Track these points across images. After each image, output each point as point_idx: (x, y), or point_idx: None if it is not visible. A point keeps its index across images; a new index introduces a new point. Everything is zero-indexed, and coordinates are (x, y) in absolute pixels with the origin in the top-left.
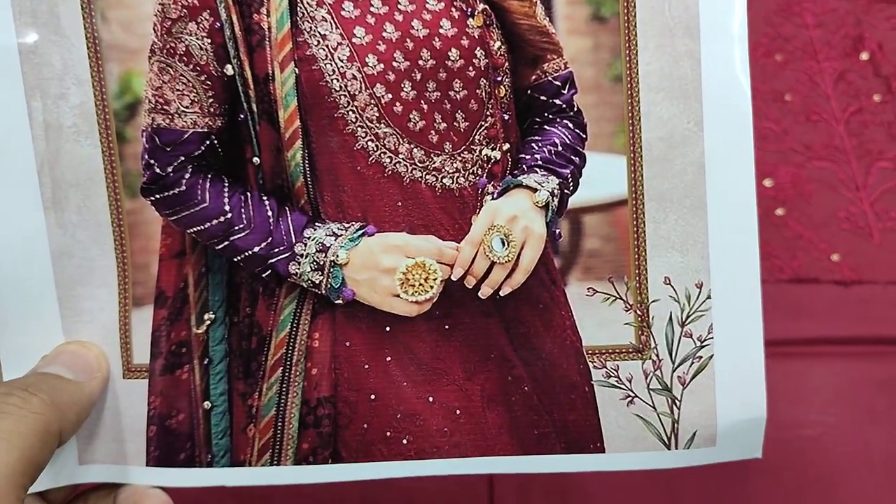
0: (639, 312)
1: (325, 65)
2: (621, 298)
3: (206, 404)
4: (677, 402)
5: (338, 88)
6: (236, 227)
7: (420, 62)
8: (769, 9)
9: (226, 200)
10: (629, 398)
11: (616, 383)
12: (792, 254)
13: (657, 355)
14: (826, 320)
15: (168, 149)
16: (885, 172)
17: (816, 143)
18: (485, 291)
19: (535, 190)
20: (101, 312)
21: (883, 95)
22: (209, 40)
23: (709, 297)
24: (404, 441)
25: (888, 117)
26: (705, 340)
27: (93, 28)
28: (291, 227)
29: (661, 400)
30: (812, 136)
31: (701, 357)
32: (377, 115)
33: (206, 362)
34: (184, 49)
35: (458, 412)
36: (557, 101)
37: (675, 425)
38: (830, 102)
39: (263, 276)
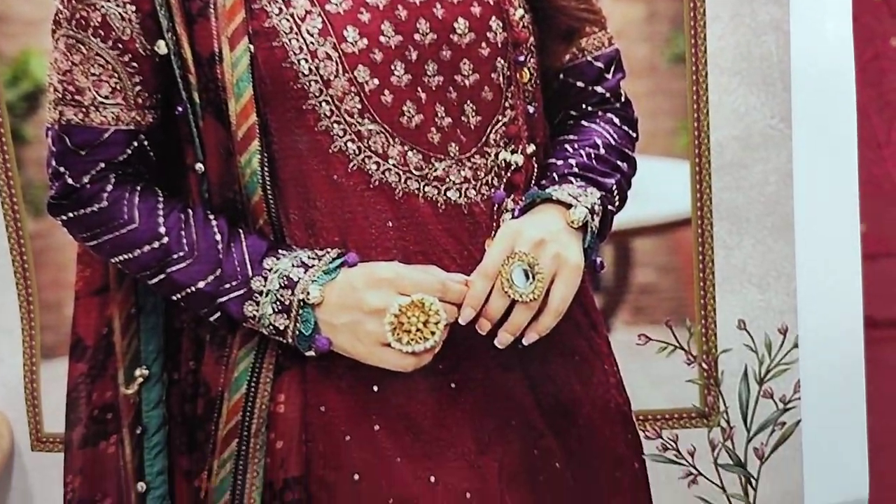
0: (704, 366)
1: (290, 40)
2: (682, 348)
3: (140, 486)
4: (753, 482)
5: (307, 72)
6: (175, 256)
7: (416, 37)
8: None
9: (160, 220)
10: (691, 476)
11: (675, 457)
12: None
13: (728, 421)
14: None
15: (83, 152)
16: None
17: None
18: (503, 339)
19: (569, 206)
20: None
21: None
22: (133, 8)
23: (795, 346)
24: None
25: None
26: (790, 401)
27: None
28: (247, 256)
29: (733, 478)
30: None
31: (784, 423)
32: (359, 106)
33: (138, 432)
34: (99, 19)
35: (468, 496)
36: (599, 89)
37: None
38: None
39: (211, 319)
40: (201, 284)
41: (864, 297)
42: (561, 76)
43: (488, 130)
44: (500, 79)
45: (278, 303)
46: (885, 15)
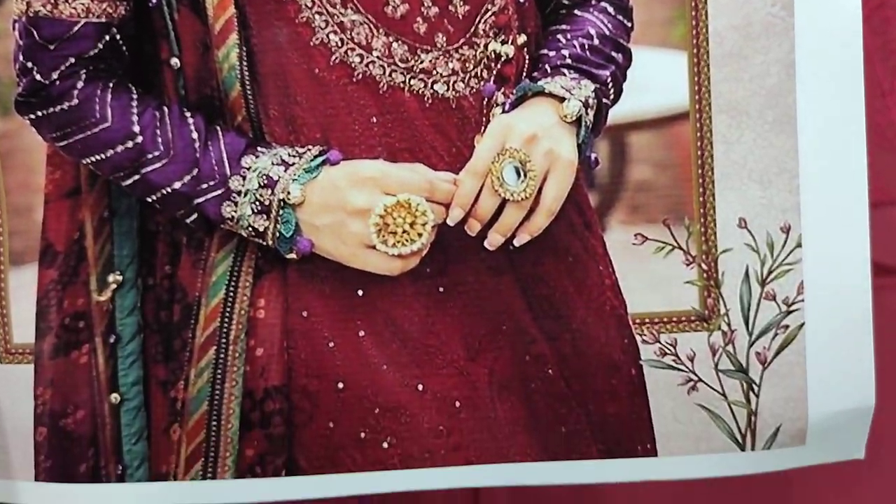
0: (704, 266)
1: None
2: (681, 248)
3: (114, 397)
4: (755, 388)
5: None
6: (150, 155)
7: None
8: None
9: (134, 118)
10: (691, 383)
11: (673, 363)
12: None
13: (729, 324)
14: None
15: (52, 46)
16: None
17: None
18: (494, 240)
19: (562, 99)
20: None
21: None
22: None
23: (799, 246)
24: (385, 444)
25: None
26: (793, 304)
27: None
28: (225, 154)
29: (734, 384)
30: None
31: (787, 326)
32: None
33: (112, 340)
34: None
35: (457, 404)
36: None
37: (753, 418)
38: None
39: (188, 221)
40: (177, 185)
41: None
42: None
43: (477, 20)
44: None
45: (257, 203)
46: None
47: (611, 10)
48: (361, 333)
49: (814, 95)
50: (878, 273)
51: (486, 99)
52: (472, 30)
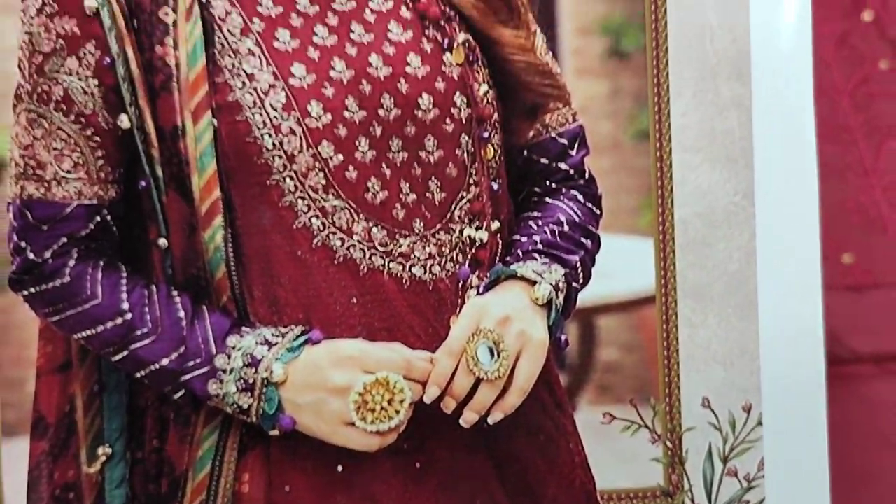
0: (669, 444)
1: (253, 114)
2: (647, 427)
3: None
4: None
5: (270, 147)
6: (138, 332)
7: (380, 112)
8: None
9: (124, 296)
10: None
11: None
12: None
13: (692, 500)
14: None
15: (45, 227)
16: None
17: (819, 122)
18: (468, 418)
19: (533, 283)
20: None
21: (890, 61)
22: (96, 81)
23: (759, 424)
24: None
25: None
26: (754, 480)
27: None
28: (211, 333)
29: None
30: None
31: (748, 502)
32: (324, 182)
33: None
34: (61, 93)
35: None
36: (563, 166)
37: None
38: (831, 71)
39: (175, 397)
40: (165, 362)
41: (849, 331)
42: (525, 152)
43: (453, 206)
44: (465, 155)
45: (242, 381)
46: (874, 37)
47: (581, 197)
48: None
49: (774, 281)
50: (858, 361)
51: (461, 282)
52: (449, 216)
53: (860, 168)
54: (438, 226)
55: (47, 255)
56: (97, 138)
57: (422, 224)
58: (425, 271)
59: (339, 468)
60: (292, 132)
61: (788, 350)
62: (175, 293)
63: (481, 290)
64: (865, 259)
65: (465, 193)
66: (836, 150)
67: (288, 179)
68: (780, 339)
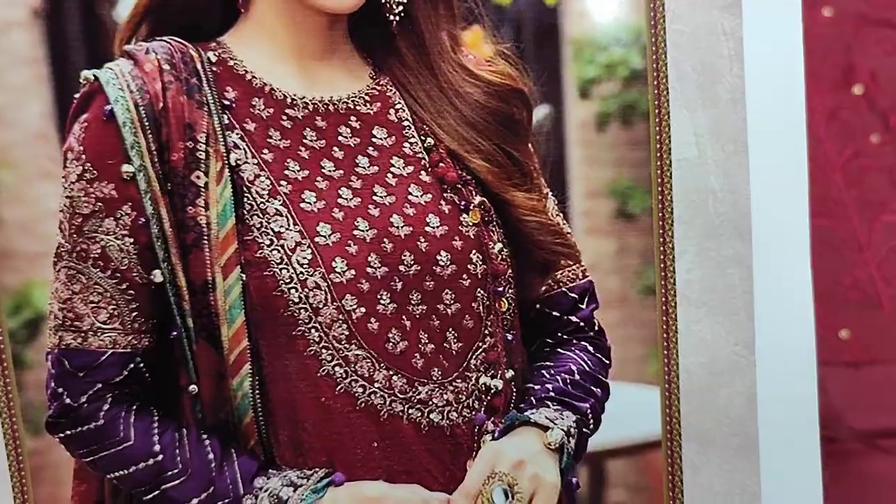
0: None
1: (280, 270)
2: None
3: None
4: None
5: (296, 300)
6: (169, 473)
7: (401, 268)
8: None
9: (155, 439)
10: None
11: None
12: None
13: None
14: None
15: (81, 374)
16: (890, 227)
17: (812, 197)
18: None
19: (546, 428)
20: None
21: (882, 135)
22: (131, 240)
23: None
24: None
25: (889, 160)
26: None
27: None
28: (239, 475)
29: None
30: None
31: None
32: (347, 333)
33: None
34: (99, 251)
35: None
36: (573, 318)
37: None
38: (823, 146)
39: None
40: (195, 502)
41: (848, 407)
42: (538, 306)
43: (469, 356)
44: (480, 308)
45: None
46: (865, 110)
47: (591, 348)
48: None
49: (775, 425)
50: (857, 439)
51: (477, 427)
52: (465, 364)
53: (855, 244)
54: (455, 374)
55: (83, 399)
56: (132, 292)
57: (440, 372)
58: (443, 417)
59: None
60: (317, 287)
61: (791, 493)
62: (205, 436)
63: (496, 435)
64: (862, 335)
65: (480, 344)
66: (830, 224)
67: (313, 330)
68: (783, 481)
